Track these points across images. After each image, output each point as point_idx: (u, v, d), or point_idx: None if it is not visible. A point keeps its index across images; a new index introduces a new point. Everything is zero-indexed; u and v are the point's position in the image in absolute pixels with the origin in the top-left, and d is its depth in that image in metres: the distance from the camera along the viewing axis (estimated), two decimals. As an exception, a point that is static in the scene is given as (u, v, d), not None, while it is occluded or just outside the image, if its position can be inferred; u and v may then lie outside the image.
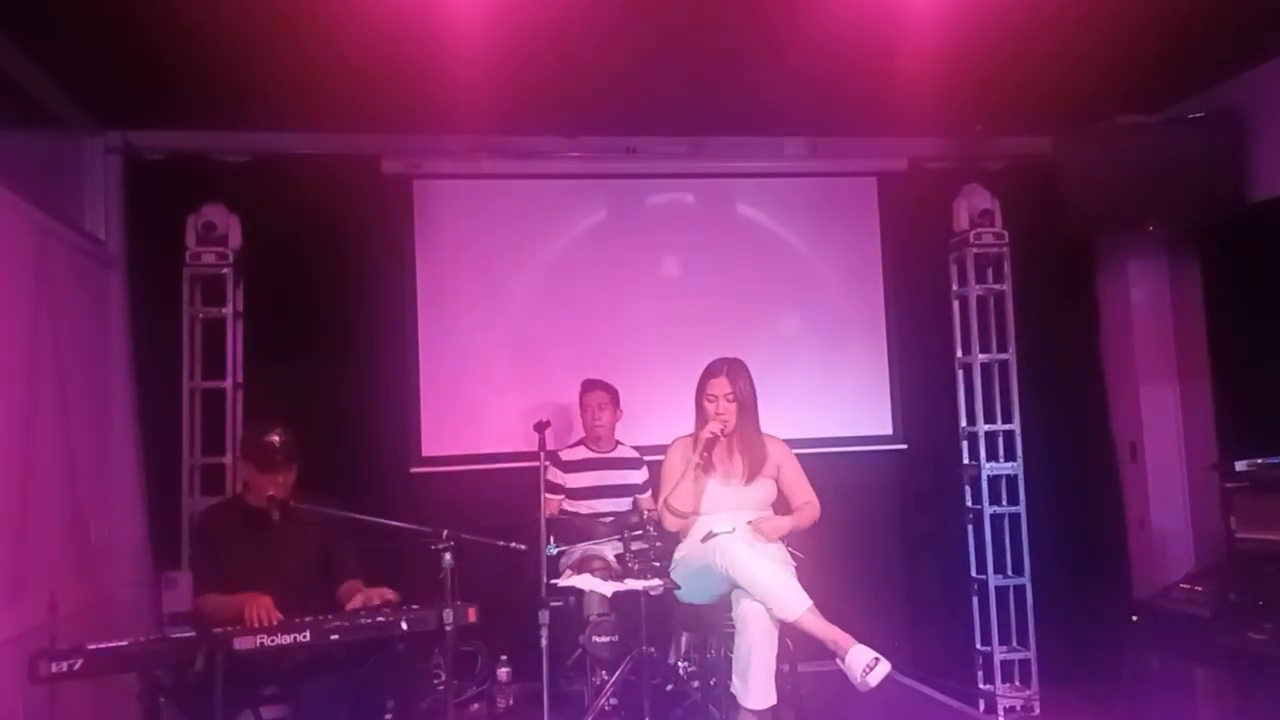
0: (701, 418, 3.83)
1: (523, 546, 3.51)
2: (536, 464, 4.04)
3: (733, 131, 5.35)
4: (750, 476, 3.80)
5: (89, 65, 4.16)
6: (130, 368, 4.83)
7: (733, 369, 3.80)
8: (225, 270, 4.79)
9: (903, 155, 5.51)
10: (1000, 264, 5.27)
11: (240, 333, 4.90)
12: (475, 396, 5.20)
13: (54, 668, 2.95)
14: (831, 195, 5.60)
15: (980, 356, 5.24)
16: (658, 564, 3.81)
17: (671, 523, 3.82)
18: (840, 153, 5.51)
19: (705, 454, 3.73)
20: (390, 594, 3.51)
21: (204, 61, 4.07)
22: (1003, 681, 5.06)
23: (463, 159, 5.23)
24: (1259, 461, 4.29)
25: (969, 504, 5.28)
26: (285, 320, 5.00)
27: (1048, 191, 5.07)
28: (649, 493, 4.69)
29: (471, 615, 3.30)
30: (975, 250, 5.23)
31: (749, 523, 3.72)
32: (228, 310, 4.82)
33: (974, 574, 5.19)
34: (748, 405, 3.80)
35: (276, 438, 3.58)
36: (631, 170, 5.40)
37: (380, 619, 3.29)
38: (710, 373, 3.83)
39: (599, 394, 4.81)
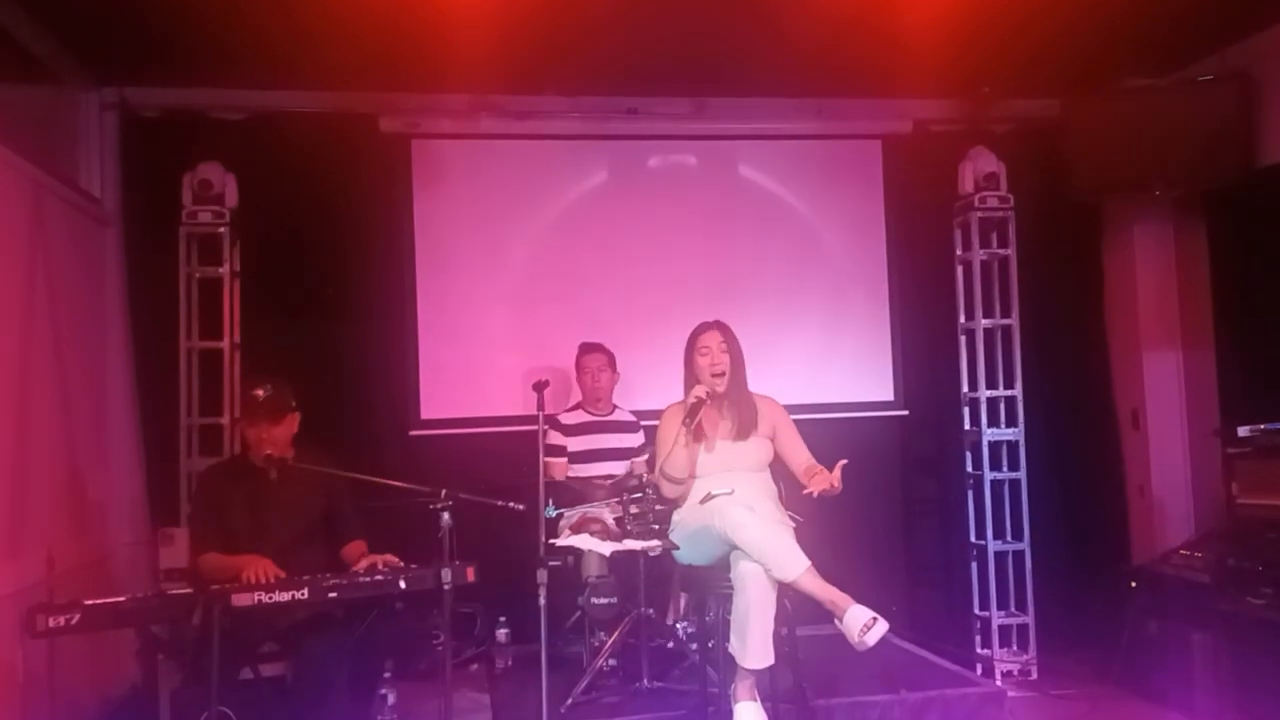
0: (692, 378, 3.83)
1: (521, 506, 3.49)
2: (535, 427, 4.01)
3: (736, 92, 5.29)
4: (742, 435, 3.79)
5: (85, 20, 4.10)
6: (126, 326, 4.81)
7: (722, 325, 3.88)
8: (222, 229, 4.75)
9: (908, 117, 5.45)
10: (1005, 228, 5.21)
11: (237, 292, 4.87)
12: (474, 358, 5.16)
13: (51, 622, 2.97)
14: (835, 157, 5.54)
15: (983, 322, 5.20)
16: (656, 527, 3.80)
17: (669, 489, 3.81)
18: (844, 114, 5.45)
19: (690, 418, 3.71)
20: (396, 561, 3.48)
21: (201, 17, 4.02)
22: (1001, 646, 5.07)
23: (462, 118, 5.17)
24: (1261, 427, 4.29)
25: (969, 469, 5.27)
26: (282, 280, 4.98)
27: (1054, 155, 5.03)
28: (645, 456, 4.66)
29: (470, 575, 3.32)
30: (980, 214, 5.17)
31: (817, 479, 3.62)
32: (224, 269, 4.79)
33: (973, 539, 5.19)
34: (737, 361, 3.81)
35: (260, 391, 3.57)
36: (633, 131, 5.34)
37: (379, 577, 3.29)
38: (700, 329, 3.89)
39: (598, 356, 4.78)
